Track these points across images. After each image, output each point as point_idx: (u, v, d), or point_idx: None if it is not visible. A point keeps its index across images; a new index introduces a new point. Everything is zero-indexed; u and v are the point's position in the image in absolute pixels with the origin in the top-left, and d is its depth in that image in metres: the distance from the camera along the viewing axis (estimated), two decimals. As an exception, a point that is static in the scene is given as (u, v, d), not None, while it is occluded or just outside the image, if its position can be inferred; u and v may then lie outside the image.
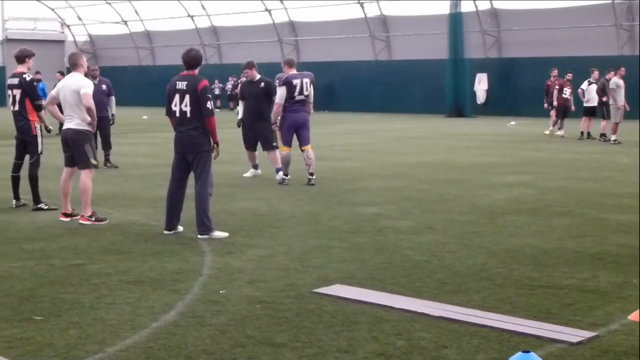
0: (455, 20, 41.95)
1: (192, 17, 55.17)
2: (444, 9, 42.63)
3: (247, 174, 15.74)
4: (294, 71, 14.49)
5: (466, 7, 42.59)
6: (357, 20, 47.88)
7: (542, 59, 39.07)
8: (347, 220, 10.86)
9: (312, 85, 14.53)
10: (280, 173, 14.81)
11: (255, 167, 15.83)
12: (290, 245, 9.27)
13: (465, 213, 11.46)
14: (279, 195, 13.29)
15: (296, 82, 14.25)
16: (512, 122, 34.70)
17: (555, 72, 28.02)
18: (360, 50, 48.00)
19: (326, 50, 49.17)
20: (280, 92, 14.22)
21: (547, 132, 27.70)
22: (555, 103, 27.08)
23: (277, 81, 14.36)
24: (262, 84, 15.22)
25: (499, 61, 43.43)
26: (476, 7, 43.29)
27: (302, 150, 14.53)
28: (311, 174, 14.57)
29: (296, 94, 14.24)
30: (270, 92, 15.22)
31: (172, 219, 10.00)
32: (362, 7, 47.38)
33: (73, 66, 10.96)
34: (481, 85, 43.06)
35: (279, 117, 14.30)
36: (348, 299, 6.92)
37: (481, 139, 26.08)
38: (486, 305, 6.74)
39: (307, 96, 14.41)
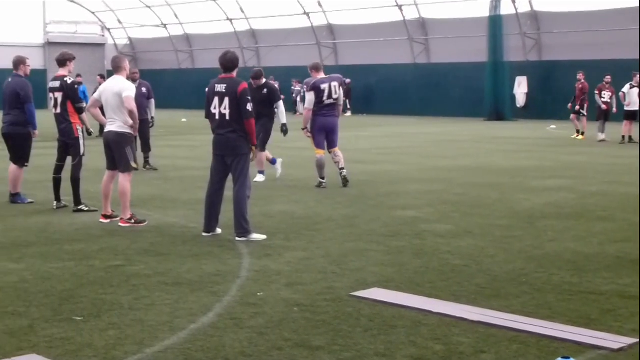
0: (495, 23, 41.70)
1: (231, 20, 55.39)
2: (484, 11, 42.41)
3: (262, 179, 15.52)
4: (321, 75, 14.49)
5: (506, 9, 42.32)
6: (396, 23, 47.76)
7: (583, 61, 38.69)
8: (385, 224, 10.84)
9: (341, 88, 14.54)
10: (261, 175, 15.23)
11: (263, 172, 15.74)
12: (327, 248, 9.27)
13: (505, 217, 11.38)
14: (316, 198, 13.29)
15: (324, 86, 14.24)
16: (552, 126, 34.43)
17: (580, 75, 27.80)
18: (399, 53, 47.87)
19: (364, 53, 49.13)
20: (309, 98, 14.23)
21: (579, 137, 27.49)
22: (578, 106, 27.03)
23: (305, 86, 14.40)
24: (265, 90, 15.25)
25: (539, 64, 43.08)
26: (516, 9, 42.98)
27: (330, 152, 14.58)
28: (342, 168, 14.66)
29: (325, 98, 14.25)
30: (272, 98, 15.41)
31: (211, 221, 10.04)
32: (401, 10, 47.27)
33: (116, 69, 11.03)
34: (521, 88, 42.76)
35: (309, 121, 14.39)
36: (386, 303, 6.90)
37: (521, 143, 25.90)
38: (525, 310, 6.69)
39: (336, 99, 14.42)
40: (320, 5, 49.99)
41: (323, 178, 14.54)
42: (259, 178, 15.32)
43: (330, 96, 14.27)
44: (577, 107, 27.36)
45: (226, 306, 6.84)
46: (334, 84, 14.39)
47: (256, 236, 9.73)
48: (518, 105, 42.56)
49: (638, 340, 5.94)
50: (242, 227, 9.73)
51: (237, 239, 9.69)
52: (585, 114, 27.61)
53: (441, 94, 45.39)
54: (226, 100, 9.76)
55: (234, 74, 9.97)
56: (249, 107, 9.78)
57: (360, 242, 9.57)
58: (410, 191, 14.09)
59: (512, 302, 6.94)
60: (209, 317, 6.52)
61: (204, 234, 10.00)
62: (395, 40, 47.91)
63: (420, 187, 14.60)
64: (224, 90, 9.79)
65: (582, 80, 27.77)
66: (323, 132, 14.40)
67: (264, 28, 54.85)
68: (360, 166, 18.22)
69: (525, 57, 43.38)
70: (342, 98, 14.59)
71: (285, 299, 7.03)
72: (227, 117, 9.77)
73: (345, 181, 14.56)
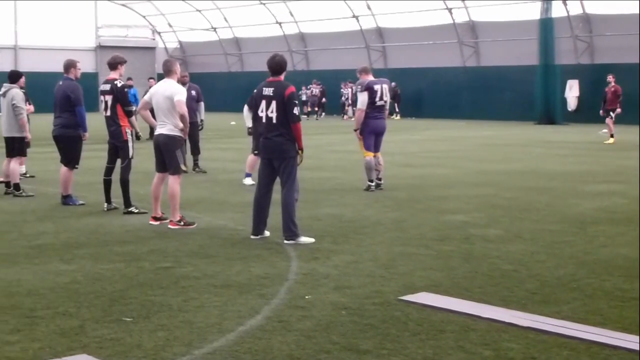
0: (546, 25, 41.31)
1: (280, 23, 55.58)
2: (534, 14, 42.05)
3: (250, 182, 15.24)
4: (371, 77, 14.51)
5: (557, 12, 41.90)
6: (445, 26, 47.56)
7: (635, 64, 38.18)
8: (434, 228, 10.78)
9: (389, 92, 14.62)
10: (250, 178, 15.22)
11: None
12: (376, 251, 9.24)
13: (555, 222, 11.25)
14: (364, 201, 13.27)
15: (377, 87, 14.34)
16: (604, 130, 33.89)
17: (610, 78, 27.43)
18: (448, 57, 47.66)
19: (413, 56, 48.99)
20: (362, 98, 14.29)
21: (610, 141, 27.15)
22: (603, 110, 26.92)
23: (359, 87, 14.40)
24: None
25: (591, 67, 42.56)
26: (567, 12, 42.55)
27: (374, 156, 14.56)
28: (379, 179, 14.69)
29: (377, 99, 14.31)
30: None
31: (259, 224, 10.07)
32: (451, 13, 47.06)
33: (167, 72, 11.10)
34: (572, 91, 42.28)
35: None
36: (434, 307, 6.86)
37: (571, 147, 25.62)
38: (576, 316, 6.61)
39: (386, 102, 14.50)
40: (369, 8, 49.94)
41: (372, 181, 14.51)
42: (248, 181, 15.35)
43: (381, 98, 14.34)
44: (603, 111, 27.11)
45: (274, 309, 6.84)
46: (385, 86, 14.48)
47: (304, 239, 9.74)
48: (569, 109, 42.08)
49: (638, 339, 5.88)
50: (290, 230, 9.74)
51: (285, 241, 9.70)
52: (613, 116, 27.30)
53: (491, 97, 45.09)
54: (273, 104, 9.77)
55: (282, 77, 9.98)
56: (296, 110, 9.79)
57: (409, 246, 9.53)
58: (459, 195, 14.01)
59: (563, 308, 6.86)
60: (257, 319, 6.53)
61: (252, 237, 10.03)
62: (445, 43, 47.71)
63: (470, 191, 14.50)
64: (271, 94, 9.81)
65: (613, 83, 27.43)
66: (373, 134, 14.42)
67: (312, 31, 54.95)
68: (409, 170, 18.16)
69: (576, 60, 42.91)
70: (388, 102, 14.66)
71: (333, 302, 7.02)
72: (274, 121, 9.79)
73: (379, 189, 14.57)
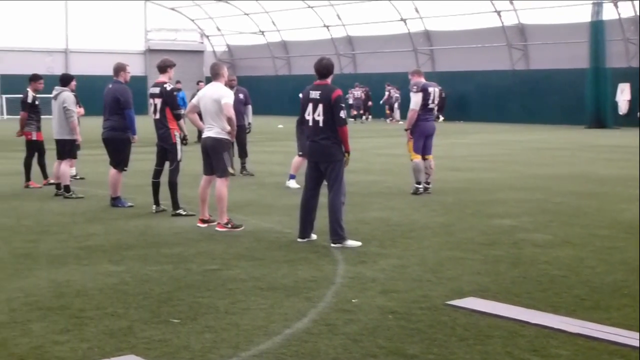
0: (597, 28, 40.81)
1: (327, 27, 55.65)
2: (585, 16, 41.61)
3: (294, 185, 15.37)
4: (423, 80, 14.51)
5: (608, 14, 41.39)
6: (494, 29, 47.26)
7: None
8: (481, 232, 10.70)
9: (438, 97, 14.72)
10: (294, 181, 15.29)
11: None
12: (423, 256, 9.20)
13: (605, 227, 11.11)
14: (412, 205, 13.22)
15: (431, 90, 14.42)
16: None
17: None
18: (497, 60, 47.34)
19: (461, 59, 48.74)
20: (416, 99, 14.30)
21: None
22: None
23: (415, 88, 14.38)
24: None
25: (643, 70, 42.02)
26: (619, 14, 42.04)
27: (425, 159, 14.55)
28: (428, 183, 14.66)
29: (430, 101, 14.37)
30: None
31: (306, 227, 10.07)
32: (499, 16, 46.73)
33: (214, 76, 11.16)
34: (623, 95, 41.71)
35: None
36: (482, 312, 6.80)
37: (622, 151, 25.27)
38: (627, 323, 6.51)
39: (436, 105, 14.57)
40: (417, 11, 49.80)
41: (419, 183, 14.46)
42: (291, 183, 15.39)
43: (433, 101, 14.43)
44: None
45: (321, 312, 6.84)
46: (436, 89, 14.57)
47: (351, 242, 9.72)
48: (620, 113, 41.51)
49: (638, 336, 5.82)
50: (337, 233, 9.74)
51: (332, 245, 9.70)
52: None
53: (540, 100, 44.68)
54: (320, 107, 9.77)
55: (329, 80, 9.97)
56: (343, 114, 9.78)
57: (457, 251, 9.47)
58: (508, 199, 13.89)
59: (613, 315, 6.76)
60: (304, 322, 6.53)
61: (299, 240, 10.04)
62: (494, 46, 47.42)
63: (518, 196, 14.38)
64: (318, 97, 9.81)
65: None
66: (423, 137, 14.43)
67: (360, 35, 54.94)
68: (457, 174, 18.06)
69: (627, 63, 42.34)
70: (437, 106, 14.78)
71: (379, 306, 7.00)
72: (321, 124, 9.79)
73: (427, 193, 14.55)
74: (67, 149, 14.32)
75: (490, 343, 6.00)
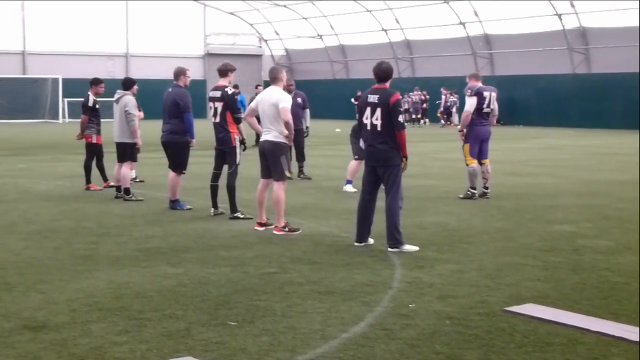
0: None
1: (385, 30, 55.57)
2: (649, 19, 40.97)
3: (351, 189, 15.31)
4: (480, 84, 14.44)
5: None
6: (555, 33, 46.71)
7: None
8: (541, 238, 10.58)
9: (496, 101, 14.62)
10: (350, 185, 15.19)
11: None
12: (481, 261, 9.12)
13: (668, 234, 10.90)
14: (470, 210, 13.12)
15: (486, 94, 14.39)
16: None
17: None
18: (557, 63, 46.81)
19: (521, 63, 48.31)
20: (471, 102, 14.28)
21: None
22: None
23: (469, 91, 14.33)
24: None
25: None
26: (682, 17, 41.32)
27: (481, 164, 14.49)
28: (487, 188, 14.61)
29: (485, 105, 14.34)
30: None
31: (363, 232, 10.05)
32: (560, 19, 46.19)
33: (273, 80, 11.19)
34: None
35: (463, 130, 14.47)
36: (541, 319, 6.72)
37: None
38: (690, 332, 6.38)
39: (492, 109, 14.50)
40: (476, 14, 49.47)
41: (474, 188, 14.36)
42: (348, 188, 15.33)
43: (488, 105, 14.37)
44: None
45: (377, 316, 6.82)
46: (493, 94, 14.51)
47: (408, 247, 9.68)
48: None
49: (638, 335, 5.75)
50: (394, 237, 9.70)
51: (389, 249, 9.66)
52: None
53: (602, 105, 44.07)
54: (378, 111, 9.76)
55: (387, 84, 9.95)
56: (401, 118, 9.76)
57: (515, 256, 9.37)
58: (568, 205, 13.71)
59: (676, 323, 6.63)
60: (361, 326, 6.52)
61: (356, 244, 10.03)
62: (554, 50, 46.88)
63: (579, 201, 14.19)
64: (376, 101, 9.79)
65: None
66: (478, 141, 14.36)
67: (418, 38, 54.76)
68: (516, 178, 17.89)
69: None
70: (496, 109, 14.67)
71: (437, 312, 6.96)
72: (379, 128, 9.76)
73: (486, 198, 14.47)
74: (128, 152, 14.48)
75: (549, 351, 5.92)
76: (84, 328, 6.45)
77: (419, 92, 48.82)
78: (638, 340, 6.04)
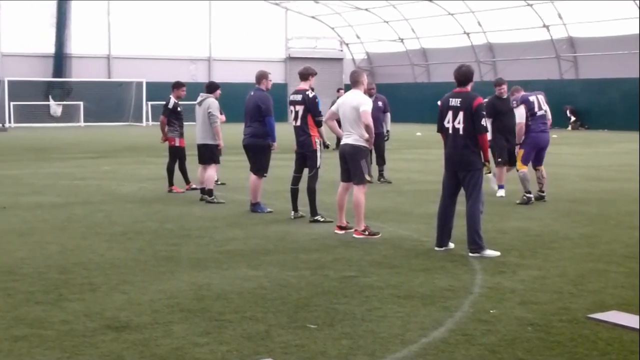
0: None
1: (467, 34, 55.15)
2: None
3: (502, 193, 15.22)
4: (523, 92, 14.67)
5: None
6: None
7: None
8: (626, 244, 10.36)
9: (546, 103, 14.55)
10: (502, 189, 15.18)
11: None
12: (564, 267, 8.98)
13: None
14: (552, 215, 12.93)
15: (532, 98, 14.39)
16: None
17: None
18: (644, 66, 45.82)
19: (606, 66, 47.35)
20: (520, 112, 14.31)
21: None
22: None
23: (514, 103, 14.44)
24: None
25: None
26: None
27: (536, 170, 14.51)
28: (542, 191, 14.57)
29: (536, 109, 14.32)
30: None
31: (443, 236, 9.99)
32: (645, 21, 45.21)
33: (354, 83, 11.21)
34: None
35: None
36: (626, 327, 6.59)
37: None
38: None
39: (546, 111, 14.47)
40: (560, 17, 48.73)
41: (529, 192, 14.19)
42: (501, 192, 15.17)
43: (540, 107, 14.35)
44: None
45: (458, 322, 6.77)
46: (540, 97, 14.53)
47: (489, 252, 9.59)
48: None
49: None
50: (475, 242, 9.62)
51: (470, 254, 9.58)
52: None
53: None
54: (460, 115, 9.69)
55: (469, 87, 9.88)
56: (484, 122, 9.68)
57: (599, 263, 9.20)
58: (654, 211, 13.40)
59: None
60: (440, 331, 6.48)
61: (436, 248, 9.97)
62: (640, 52, 45.89)
63: (665, 207, 13.85)
64: (458, 105, 9.73)
65: None
66: (535, 149, 14.43)
67: (501, 42, 54.17)
68: (600, 184, 17.56)
69: None
70: (549, 113, 14.57)
71: (518, 318, 6.88)
72: (461, 132, 9.70)
73: (543, 202, 14.44)
74: (209, 154, 14.64)
75: (634, 359, 5.80)
76: (165, 329, 6.54)
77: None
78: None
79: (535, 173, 14.62)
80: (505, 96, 15.25)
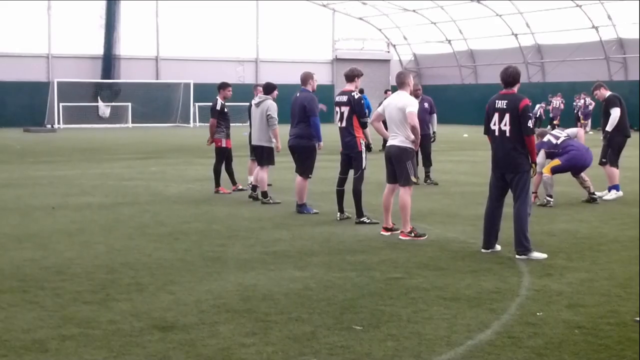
0: None
1: (515, 35, 54.72)
2: None
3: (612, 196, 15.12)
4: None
5: None
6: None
7: None
8: (676, 247, 10.22)
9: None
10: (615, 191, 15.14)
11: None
12: (612, 270, 8.89)
13: None
14: (601, 217, 12.79)
15: (546, 138, 14.53)
16: None
17: None
18: (696, 67, 45.13)
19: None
20: (540, 161, 14.30)
21: None
22: None
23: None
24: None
25: None
26: None
27: (576, 177, 14.71)
28: (593, 194, 14.60)
29: (554, 140, 14.48)
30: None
31: (490, 238, 9.94)
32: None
33: (400, 85, 11.21)
34: None
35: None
36: (676, 331, 6.50)
37: None
38: None
39: (568, 135, 14.70)
40: (609, 18, 48.15)
41: (550, 196, 14.07)
42: (611, 195, 15.08)
43: (557, 137, 14.58)
44: None
45: (504, 324, 6.74)
46: (557, 132, 14.88)
47: (537, 254, 9.52)
48: None
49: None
50: (522, 244, 9.56)
51: (517, 256, 9.52)
52: None
53: None
54: (507, 117, 9.63)
55: (515, 89, 9.81)
56: (530, 123, 9.62)
57: (649, 266, 9.09)
58: None
59: None
60: (487, 334, 6.45)
61: (482, 250, 9.92)
62: (692, 53, 45.22)
63: None
64: (504, 107, 9.67)
65: None
66: (571, 169, 14.54)
67: (549, 43, 53.67)
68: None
69: None
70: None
71: (565, 321, 6.82)
72: (507, 134, 9.64)
73: (595, 203, 14.47)
74: (265, 156, 14.68)
75: (684, 364, 5.73)
76: (212, 329, 6.59)
77: (561, 98, 47.72)
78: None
79: (577, 179, 14.62)
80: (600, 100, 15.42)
